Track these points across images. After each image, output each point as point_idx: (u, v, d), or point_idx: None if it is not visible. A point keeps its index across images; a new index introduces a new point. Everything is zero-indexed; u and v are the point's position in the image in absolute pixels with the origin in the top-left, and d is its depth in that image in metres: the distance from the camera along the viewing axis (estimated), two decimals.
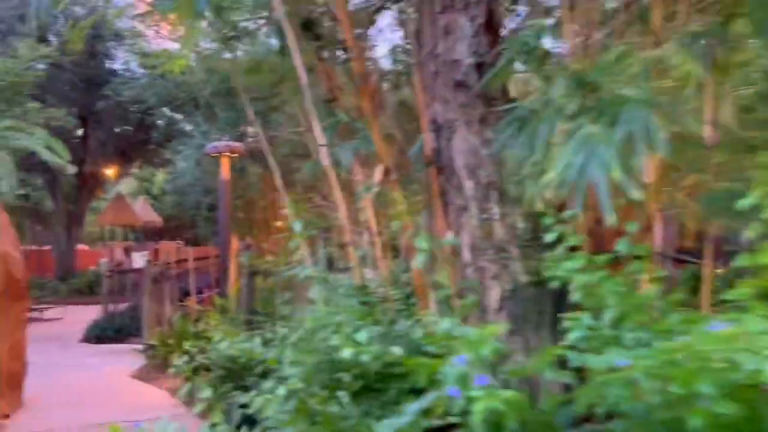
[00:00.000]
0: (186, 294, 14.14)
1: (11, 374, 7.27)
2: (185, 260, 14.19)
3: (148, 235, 32.06)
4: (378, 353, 1.95)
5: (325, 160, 2.92)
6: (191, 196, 16.55)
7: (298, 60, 3.25)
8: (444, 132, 2.63)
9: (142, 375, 9.15)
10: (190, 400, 7.19)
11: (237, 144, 9.61)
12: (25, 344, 7.73)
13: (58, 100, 19.96)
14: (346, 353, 1.97)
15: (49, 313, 17.30)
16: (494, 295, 2.34)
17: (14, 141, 13.04)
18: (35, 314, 16.79)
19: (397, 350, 1.93)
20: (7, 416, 6.83)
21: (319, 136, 2.94)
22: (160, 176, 37.98)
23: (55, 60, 17.44)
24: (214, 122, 13.78)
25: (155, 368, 9.27)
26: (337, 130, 3.20)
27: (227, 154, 9.51)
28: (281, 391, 2.03)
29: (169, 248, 22.74)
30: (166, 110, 19.50)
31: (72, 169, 14.28)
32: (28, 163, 19.26)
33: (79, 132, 23.95)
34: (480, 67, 2.60)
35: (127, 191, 33.78)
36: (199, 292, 14.93)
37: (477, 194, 2.52)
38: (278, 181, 3.60)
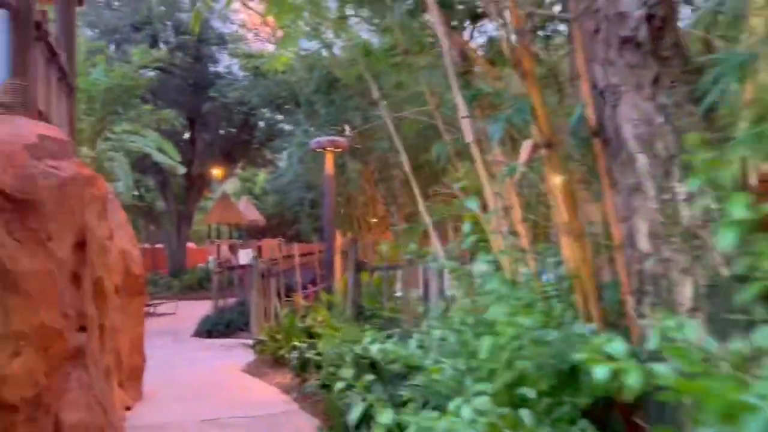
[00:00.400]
0: (291, 289, 14.34)
1: (132, 367, 7.49)
2: (290, 256, 14.40)
3: (251, 233, 33.15)
4: (644, 373, 1.55)
5: (468, 136, 2.55)
6: (293, 193, 16.81)
7: (439, 25, 2.90)
8: (607, 98, 2.23)
9: (252, 370, 9.23)
10: (300, 397, 7.12)
11: (340, 139, 9.51)
12: (143, 338, 7.95)
13: (167, 104, 20.97)
14: (601, 372, 1.58)
15: (162, 308, 18.15)
16: (686, 292, 1.91)
17: (130, 143, 13.75)
18: (150, 309, 17.70)
19: (663, 369, 1.52)
20: (128, 408, 7.02)
21: (462, 108, 2.58)
22: (262, 176, 39.30)
23: (164, 64, 18.27)
24: (314, 119, 13.86)
25: (264, 363, 9.34)
26: (476, 105, 2.83)
27: (331, 149, 9.42)
28: (466, 412, 1.70)
29: (272, 245, 23.35)
30: (266, 111, 19.98)
31: (182, 170, 14.91)
32: (141, 165, 20.42)
33: (187, 135, 25.13)
34: (650, 20, 2.17)
35: (231, 191, 35.14)
36: (304, 287, 15.12)
37: (654, 170, 2.10)
38: (407, 166, 3.29)
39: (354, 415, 2.68)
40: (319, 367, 6.90)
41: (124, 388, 7.23)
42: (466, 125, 2.51)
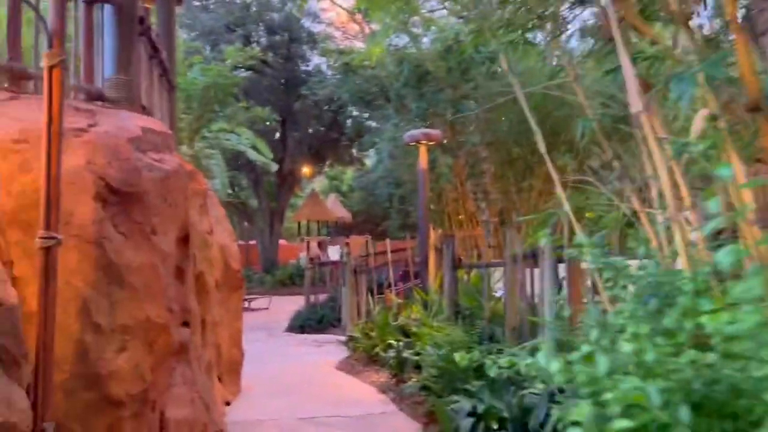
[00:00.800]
0: (381, 286, 14.22)
1: (231, 362, 7.53)
2: (380, 253, 14.28)
3: (339, 230, 33.52)
4: None
5: (636, 103, 2.14)
6: (382, 190, 16.68)
7: None
8: None
9: (347, 367, 9.11)
10: (398, 398, 6.89)
11: (434, 131, 9.18)
12: (242, 332, 7.98)
13: (259, 104, 21.45)
14: None
15: (256, 304, 18.54)
16: None
17: (225, 141, 14.07)
18: (245, 304, 18.16)
19: None
20: (228, 403, 7.04)
21: (628, 70, 2.16)
22: (349, 174, 39.75)
23: (256, 62, 18.59)
24: (404, 114, 13.65)
25: (358, 360, 9.19)
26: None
27: (424, 142, 9.12)
28: None
29: (359, 242, 23.45)
30: (353, 109, 19.95)
31: (274, 167, 15.12)
32: (235, 163, 21.00)
33: (278, 134, 25.65)
34: None
35: (319, 189, 35.69)
36: (395, 284, 14.97)
37: None
38: (542, 148, 2.92)
39: None
40: (417, 367, 6.63)
41: (224, 383, 7.27)
42: (632, 91, 2.10)
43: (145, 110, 5.32)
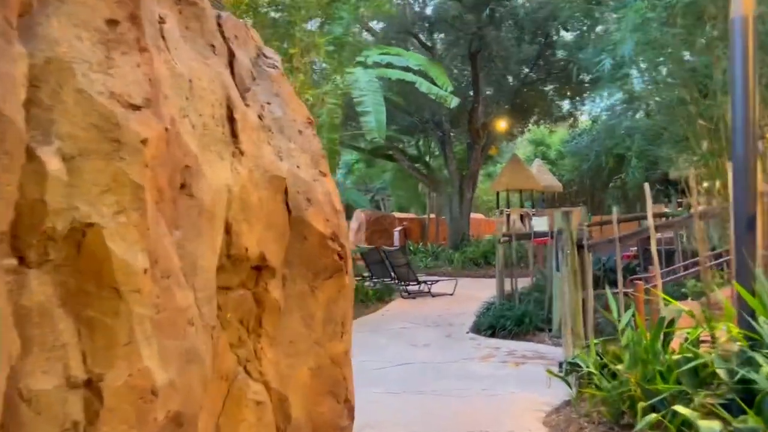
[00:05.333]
0: (609, 271, 9.55)
1: (317, 426, 3.55)
2: (604, 223, 9.45)
3: (546, 202, 28.59)
4: None
5: None
6: (617, 129, 11.36)
7: None
8: None
9: (566, 425, 4.70)
10: None
11: None
12: (345, 363, 3.94)
13: (448, 39, 16.91)
14: None
15: (437, 288, 14.60)
16: None
17: (386, 69, 10.09)
18: (423, 287, 14.36)
19: None
20: None
21: None
22: (556, 137, 34.04)
23: None
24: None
25: (590, 419, 4.71)
26: None
27: None
28: None
29: (573, 215, 18.38)
30: (570, 26, 14.52)
31: (455, 102, 10.81)
32: (420, 125, 16.98)
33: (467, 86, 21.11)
34: None
35: (521, 155, 30.74)
36: (632, 272, 10.01)
37: None
38: None
39: None
40: None
41: None
42: None
43: None
